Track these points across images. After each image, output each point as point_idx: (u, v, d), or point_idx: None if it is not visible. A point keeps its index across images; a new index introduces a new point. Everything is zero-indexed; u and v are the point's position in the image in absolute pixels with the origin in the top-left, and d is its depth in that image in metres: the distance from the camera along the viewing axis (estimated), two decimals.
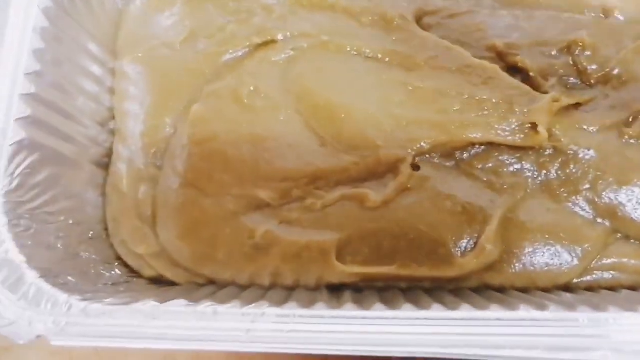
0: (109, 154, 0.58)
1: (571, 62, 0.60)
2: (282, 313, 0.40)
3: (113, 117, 0.58)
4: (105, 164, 0.57)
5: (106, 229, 0.56)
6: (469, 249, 0.52)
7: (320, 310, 0.41)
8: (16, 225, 0.45)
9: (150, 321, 0.40)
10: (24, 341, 0.39)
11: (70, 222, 0.52)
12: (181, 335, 0.39)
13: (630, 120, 0.57)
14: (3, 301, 0.41)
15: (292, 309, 0.41)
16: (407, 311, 0.41)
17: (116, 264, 0.54)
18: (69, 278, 0.46)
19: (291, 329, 0.39)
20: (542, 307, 0.43)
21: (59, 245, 0.49)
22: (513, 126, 0.55)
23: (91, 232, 0.54)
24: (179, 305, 0.41)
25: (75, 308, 0.41)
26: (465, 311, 0.40)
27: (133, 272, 0.54)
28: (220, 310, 0.40)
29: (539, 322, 0.40)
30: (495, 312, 0.41)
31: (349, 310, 0.41)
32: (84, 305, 0.41)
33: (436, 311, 0.41)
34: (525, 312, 0.41)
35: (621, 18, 0.64)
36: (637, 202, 0.54)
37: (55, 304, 0.42)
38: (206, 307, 0.41)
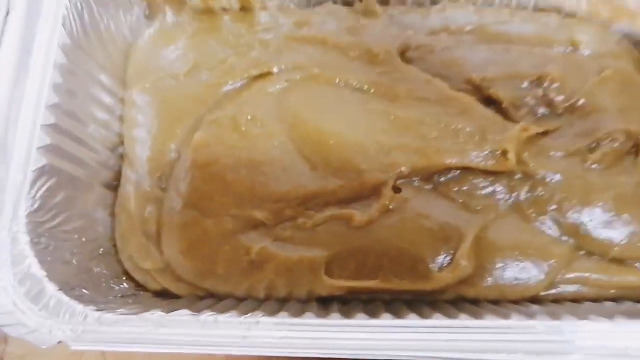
0: (118, 177, 0.63)
1: (541, 94, 0.66)
2: (275, 321, 0.45)
3: (122, 143, 0.64)
4: (114, 186, 0.63)
5: (115, 246, 0.61)
6: (445, 265, 0.57)
7: (309, 319, 0.46)
8: (37, 243, 0.50)
9: (158, 328, 0.45)
10: (46, 346, 0.44)
11: (83, 239, 0.57)
12: (185, 341, 0.44)
13: (593, 147, 0.63)
14: (26, 311, 0.46)
15: (283, 318, 0.46)
16: (386, 319, 0.46)
17: (124, 278, 0.59)
18: (84, 290, 0.51)
19: (282, 336, 0.44)
20: (506, 316, 0.48)
21: (73, 261, 0.54)
22: (485, 152, 0.61)
23: (101, 249, 0.59)
24: (183, 315, 0.46)
25: (91, 317, 0.46)
26: (436, 319, 0.46)
27: (139, 286, 0.59)
28: (220, 319, 0.45)
29: (501, 329, 0.45)
30: (462, 320, 0.46)
31: (334, 319, 0.46)
32: (98, 314, 0.46)
33: (411, 319, 0.46)
34: (488, 320, 0.46)
35: (587, 52, 0.70)
36: (598, 222, 0.60)
37: (72, 314, 0.46)
38: (207, 316, 0.46)
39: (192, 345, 0.44)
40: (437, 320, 0.45)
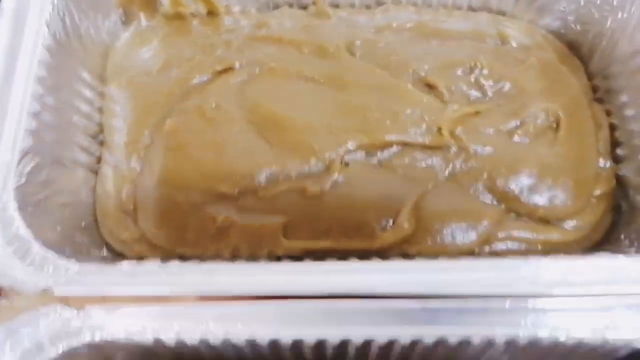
0: (99, 160, 0.70)
1: (473, 79, 0.74)
2: (233, 267, 0.52)
3: (102, 131, 0.71)
4: (95, 169, 0.70)
5: (96, 221, 0.68)
6: (389, 227, 0.65)
7: (264, 264, 0.53)
8: (24, 211, 0.56)
9: (131, 276, 0.52)
10: (34, 294, 0.51)
11: (67, 214, 0.64)
12: (154, 286, 0.51)
13: (519, 124, 0.71)
14: (15, 268, 0.52)
15: (240, 264, 0.53)
16: (328, 264, 0.53)
17: (104, 247, 0.66)
18: (66, 252, 0.57)
19: (238, 279, 0.52)
20: None
21: (57, 228, 0.60)
22: (423, 130, 0.69)
23: (84, 222, 0.65)
24: (153, 265, 0.53)
25: (71, 270, 0.52)
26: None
27: (118, 254, 0.66)
28: (185, 267, 0.52)
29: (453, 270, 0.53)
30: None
31: (285, 265, 0.53)
32: (77, 267, 0.53)
33: (351, 264, 0.53)
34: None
35: (514, 45, 0.79)
36: (524, 188, 0.67)
37: (55, 268, 0.52)
38: (174, 265, 0.53)
39: (160, 285, 0.51)
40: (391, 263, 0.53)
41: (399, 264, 0.54)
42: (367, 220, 0.65)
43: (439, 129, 0.69)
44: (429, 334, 0.51)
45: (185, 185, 0.66)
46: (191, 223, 0.65)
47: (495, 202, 0.68)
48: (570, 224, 0.68)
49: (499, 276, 0.53)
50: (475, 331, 0.52)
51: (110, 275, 0.52)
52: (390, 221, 0.65)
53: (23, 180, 0.58)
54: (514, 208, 0.68)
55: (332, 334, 0.51)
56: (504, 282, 0.52)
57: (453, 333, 0.52)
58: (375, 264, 0.54)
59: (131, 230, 0.66)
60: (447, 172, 0.68)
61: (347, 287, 0.51)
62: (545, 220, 0.68)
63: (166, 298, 0.51)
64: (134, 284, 0.51)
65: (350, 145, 0.68)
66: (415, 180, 0.68)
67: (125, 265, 0.53)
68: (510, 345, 0.52)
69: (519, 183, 0.68)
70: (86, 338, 0.51)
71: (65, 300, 0.51)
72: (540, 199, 0.68)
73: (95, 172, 0.70)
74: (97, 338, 0.51)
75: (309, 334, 0.51)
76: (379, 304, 0.50)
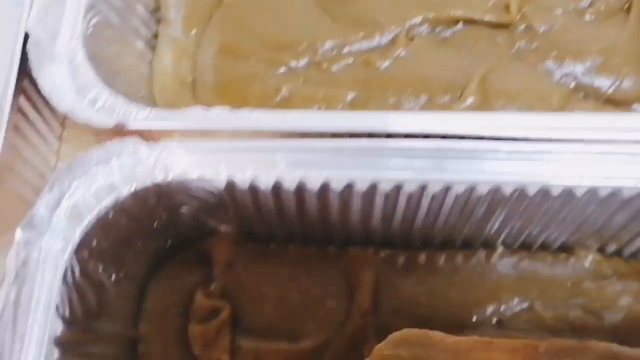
0: (157, 35, 0.69)
1: None
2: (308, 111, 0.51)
3: (159, 8, 0.70)
4: (153, 44, 0.69)
5: (153, 95, 0.67)
6: (455, 100, 0.63)
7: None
8: (92, 61, 0.55)
9: (205, 115, 0.51)
10: (106, 128, 0.50)
11: (127, 81, 0.63)
12: (228, 124, 0.50)
13: (588, 4, 0.69)
14: (87, 109, 0.52)
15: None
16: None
17: None
18: None
19: (315, 118, 0.51)
20: None
21: (121, 92, 0.59)
22: (489, 7, 0.67)
23: (142, 92, 0.65)
24: (225, 109, 0.52)
25: (140, 115, 0.52)
26: None
27: None
28: (257, 112, 0.51)
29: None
30: None
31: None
32: (147, 111, 0.52)
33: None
34: None
35: None
36: (590, 68, 0.65)
37: (125, 113, 0.52)
38: (246, 111, 0.52)
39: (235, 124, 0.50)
40: None
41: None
42: (434, 92, 0.63)
43: (507, 6, 0.67)
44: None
45: (245, 55, 0.65)
46: (252, 93, 0.64)
47: (562, 82, 0.66)
48: (638, 107, 0.66)
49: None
50: (557, 181, 0.50)
51: (184, 115, 0.51)
52: (457, 95, 0.63)
53: (89, 32, 0.57)
54: (581, 88, 0.66)
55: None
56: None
57: (532, 181, 0.50)
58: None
59: (189, 101, 0.65)
60: (513, 51, 0.67)
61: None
62: (612, 101, 0.66)
63: (241, 133, 0.50)
64: (209, 122, 0.50)
65: (416, 19, 0.66)
66: (481, 57, 0.66)
67: (199, 108, 0.52)
68: (593, 194, 0.51)
69: (587, 63, 0.66)
70: (159, 177, 0.50)
71: (139, 135, 0.50)
72: (607, 81, 0.65)
73: (153, 48, 0.69)
74: (170, 177, 0.51)
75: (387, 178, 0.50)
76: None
